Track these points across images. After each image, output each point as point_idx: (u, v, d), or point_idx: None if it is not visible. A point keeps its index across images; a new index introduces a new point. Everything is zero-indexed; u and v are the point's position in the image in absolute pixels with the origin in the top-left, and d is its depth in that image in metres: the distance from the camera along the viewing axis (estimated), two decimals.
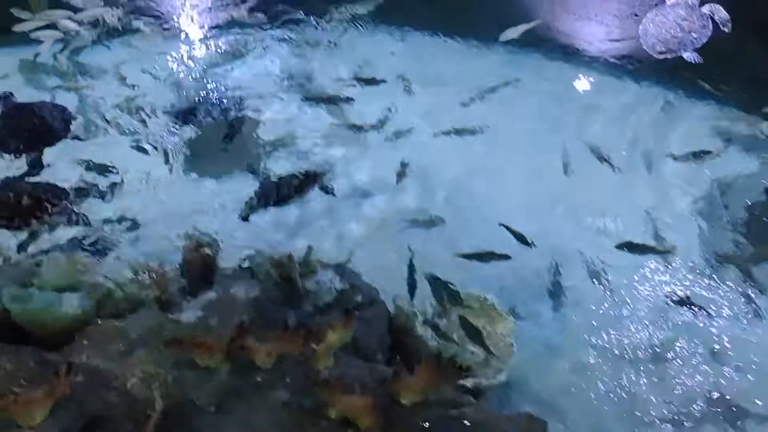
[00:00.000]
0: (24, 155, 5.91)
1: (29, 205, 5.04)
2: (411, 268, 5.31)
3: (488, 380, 4.86)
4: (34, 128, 5.94)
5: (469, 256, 5.68)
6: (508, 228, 5.82)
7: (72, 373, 3.89)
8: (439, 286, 5.07)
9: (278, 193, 5.73)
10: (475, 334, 4.96)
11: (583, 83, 7.37)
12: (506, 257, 5.66)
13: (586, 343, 5.49)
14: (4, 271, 4.88)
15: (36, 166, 5.90)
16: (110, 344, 4.48)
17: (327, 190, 5.96)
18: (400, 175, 6.35)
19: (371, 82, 7.08)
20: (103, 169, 6.02)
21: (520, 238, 5.81)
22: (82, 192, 5.47)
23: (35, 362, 4.24)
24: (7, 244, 5.20)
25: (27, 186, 5.25)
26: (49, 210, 5.08)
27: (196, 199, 6.02)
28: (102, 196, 5.75)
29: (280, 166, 6.33)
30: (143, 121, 6.61)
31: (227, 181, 6.25)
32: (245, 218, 5.68)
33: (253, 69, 7.38)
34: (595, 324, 5.60)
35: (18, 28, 7.11)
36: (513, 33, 7.20)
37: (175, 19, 7.83)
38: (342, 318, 4.47)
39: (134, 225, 5.66)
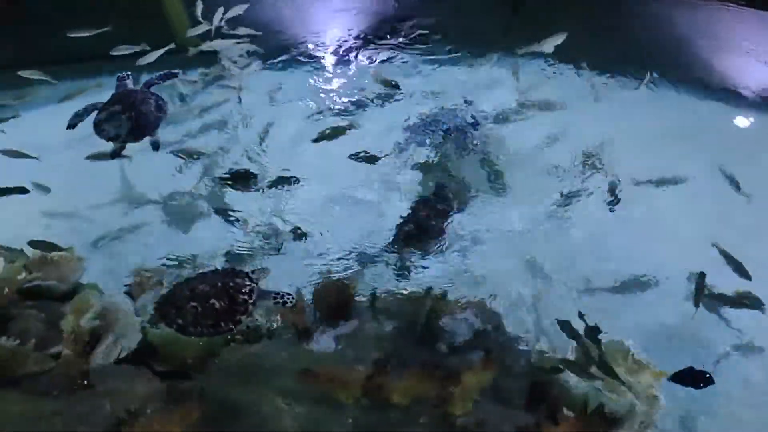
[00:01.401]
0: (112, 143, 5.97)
1: (226, 307, 4.51)
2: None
3: None
4: (128, 121, 5.93)
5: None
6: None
7: (204, 399, 3.87)
8: (583, 331, 4.78)
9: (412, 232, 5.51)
10: (619, 384, 4.66)
11: (740, 124, 6.94)
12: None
13: (739, 413, 5.03)
14: (143, 295, 4.90)
15: (115, 158, 5.99)
16: (242, 372, 4.44)
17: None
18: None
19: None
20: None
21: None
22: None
23: (167, 387, 4.23)
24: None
25: (203, 286, 4.55)
26: (249, 300, 4.56)
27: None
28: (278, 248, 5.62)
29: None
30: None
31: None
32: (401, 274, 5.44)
33: None
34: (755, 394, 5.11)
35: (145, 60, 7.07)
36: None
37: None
38: (481, 360, 4.29)
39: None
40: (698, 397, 5.00)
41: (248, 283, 4.65)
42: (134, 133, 6.00)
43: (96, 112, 6.03)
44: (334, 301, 4.74)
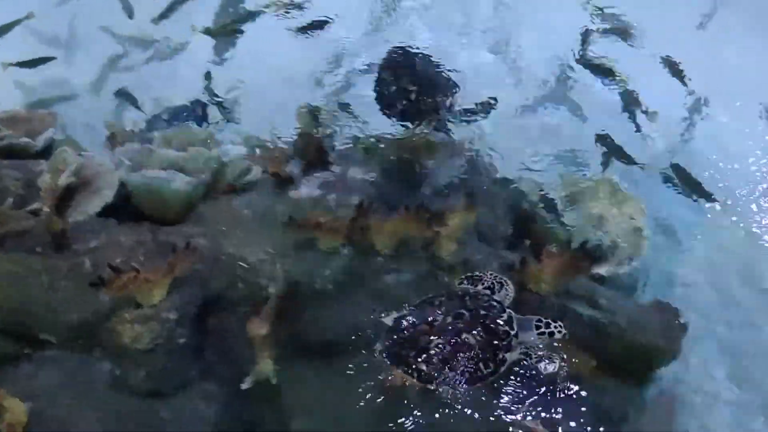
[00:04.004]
0: None
1: (483, 341, 3.48)
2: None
3: (618, 267, 4.61)
4: None
5: None
6: None
7: (190, 251, 3.84)
8: None
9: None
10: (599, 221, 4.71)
11: None
12: None
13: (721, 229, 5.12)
14: (126, 149, 4.76)
15: None
16: (227, 223, 4.40)
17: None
18: None
19: None
20: None
21: None
22: None
23: (153, 239, 4.19)
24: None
25: (442, 316, 3.58)
26: (510, 330, 3.55)
27: None
28: None
29: None
30: None
31: None
32: None
33: None
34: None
35: None
36: None
37: None
38: (464, 201, 4.26)
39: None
40: (683, 228, 5.09)
41: (499, 305, 3.65)
42: None
43: None
44: (314, 144, 4.63)
